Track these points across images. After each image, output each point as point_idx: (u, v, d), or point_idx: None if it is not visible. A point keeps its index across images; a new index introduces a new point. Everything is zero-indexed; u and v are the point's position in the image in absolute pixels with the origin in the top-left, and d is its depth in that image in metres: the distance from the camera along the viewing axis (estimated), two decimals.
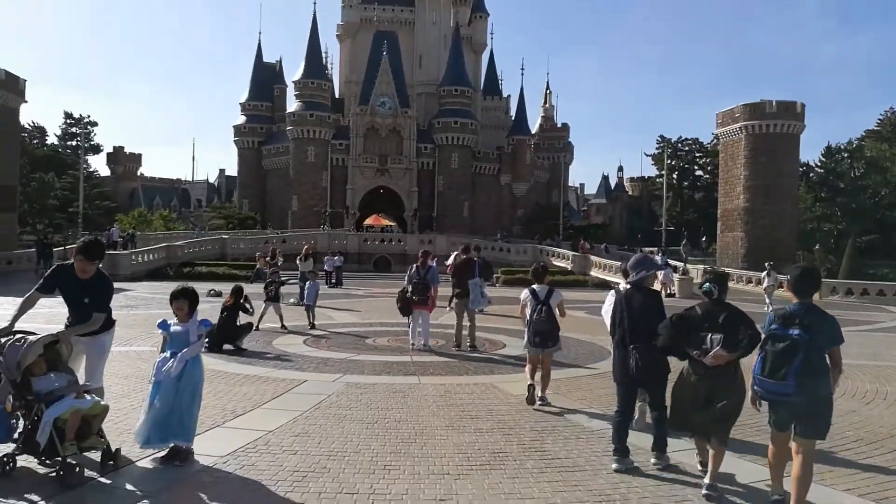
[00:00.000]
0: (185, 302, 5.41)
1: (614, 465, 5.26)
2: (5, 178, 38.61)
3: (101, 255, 5.46)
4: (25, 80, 40.65)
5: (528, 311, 7.56)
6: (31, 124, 78.74)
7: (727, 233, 49.03)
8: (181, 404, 5.15)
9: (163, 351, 5.35)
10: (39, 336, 5.00)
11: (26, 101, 41.20)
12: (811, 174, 65.36)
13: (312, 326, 14.11)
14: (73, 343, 5.24)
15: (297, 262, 21.22)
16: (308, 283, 15.60)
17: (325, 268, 31.36)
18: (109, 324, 5.58)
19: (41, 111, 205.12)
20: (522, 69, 78.14)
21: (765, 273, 24.43)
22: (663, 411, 5.31)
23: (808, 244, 53.35)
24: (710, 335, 4.73)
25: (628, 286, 5.58)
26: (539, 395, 7.46)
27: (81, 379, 5.29)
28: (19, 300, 5.50)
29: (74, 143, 76.83)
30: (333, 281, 30.60)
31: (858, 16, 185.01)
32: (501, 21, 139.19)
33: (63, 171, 66.98)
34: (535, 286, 7.63)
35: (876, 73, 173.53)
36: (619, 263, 36.81)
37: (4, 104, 38.66)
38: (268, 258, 23.42)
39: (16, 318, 5.23)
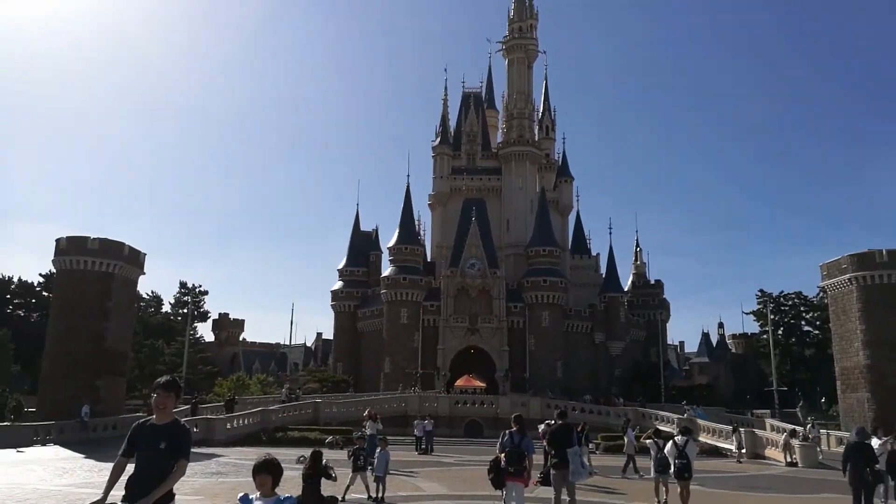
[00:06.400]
0: (268, 477, 5.06)
1: None
2: (119, 345, 41.09)
3: (178, 390, 5.39)
4: (146, 254, 44.44)
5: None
6: (150, 293, 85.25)
7: (850, 393, 44.64)
8: None
9: None
10: None
11: (144, 273, 44.73)
12: None
13: (379, 501, 13.58)
14: None
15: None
16: (379, 450, 14.83)
17: (416, 433, 30.46)
18: (169, 498, 5.15)
19: (163, 279, 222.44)
20: (610, 228, 77.88)
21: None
22: None
23: None
24: None
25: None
26: None
27: None
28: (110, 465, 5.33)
29: (185, 310, 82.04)
30: (423, 447, 29.52)
31: None
32: (587, 183, 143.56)
33: (173, 337, 71.08)
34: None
35: None
36: (729, 428, 34.10)
37: (125, 276, 42.13)
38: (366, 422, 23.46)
39: (108, 489, 5.01)
